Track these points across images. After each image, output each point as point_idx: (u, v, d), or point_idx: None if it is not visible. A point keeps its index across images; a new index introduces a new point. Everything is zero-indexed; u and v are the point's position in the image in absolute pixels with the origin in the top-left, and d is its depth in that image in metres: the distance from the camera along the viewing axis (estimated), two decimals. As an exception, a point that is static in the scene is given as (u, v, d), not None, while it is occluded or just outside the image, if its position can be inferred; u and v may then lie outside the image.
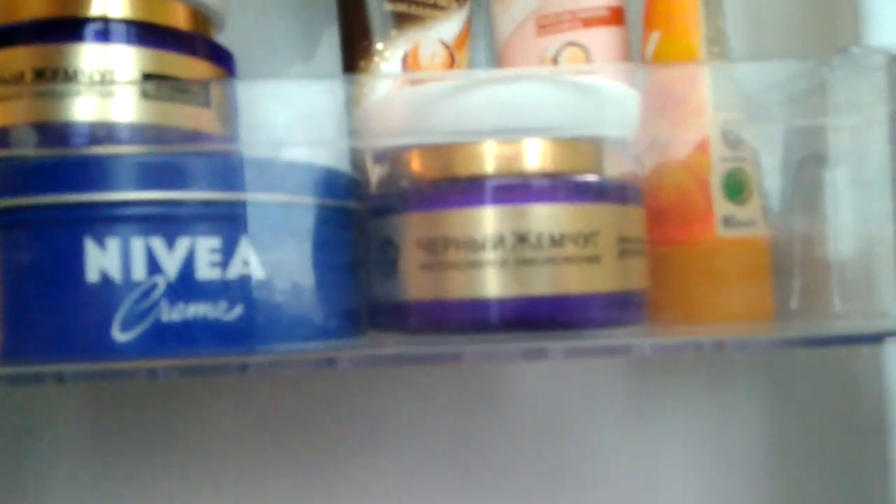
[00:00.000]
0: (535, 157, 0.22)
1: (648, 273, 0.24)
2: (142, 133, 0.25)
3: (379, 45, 0.30)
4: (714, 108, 0.27)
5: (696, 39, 0.29)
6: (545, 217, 0.21)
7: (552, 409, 0.33)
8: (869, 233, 0.26)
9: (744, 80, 0.27)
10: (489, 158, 0.22)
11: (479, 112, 0.22)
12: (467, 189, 0.22)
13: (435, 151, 0.23)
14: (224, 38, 0.30)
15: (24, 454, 0.34)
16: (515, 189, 0.22)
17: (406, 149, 0.23)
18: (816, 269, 0.27)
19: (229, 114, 0.27)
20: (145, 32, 0.26)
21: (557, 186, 0.22)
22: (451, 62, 0.32)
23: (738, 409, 0.33)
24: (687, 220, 0.28)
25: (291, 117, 0.23)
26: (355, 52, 0.31)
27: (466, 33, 0.32)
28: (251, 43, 0.34)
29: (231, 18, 0.30)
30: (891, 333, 0.22)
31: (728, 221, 0.28)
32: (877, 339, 0.22)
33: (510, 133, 0.22)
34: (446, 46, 0.32)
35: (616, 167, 0.24)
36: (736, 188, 0.29)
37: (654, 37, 0.29)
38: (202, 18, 0.28)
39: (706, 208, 0.28)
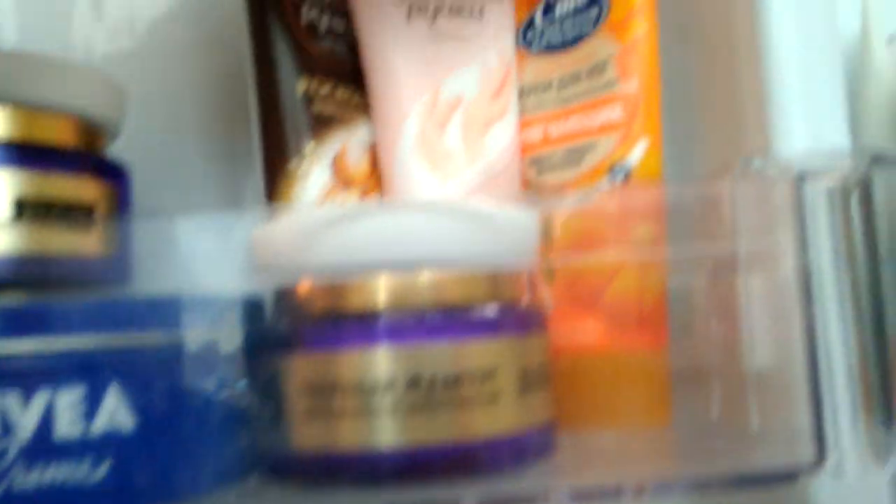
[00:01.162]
0: (428, 290, 0.21)
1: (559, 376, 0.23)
2: (14, 266, 0.23)
3: (306, 148, 0.29)
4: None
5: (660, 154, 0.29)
6: (440, 357, 0.20)
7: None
8: (785, 343, 0.25)
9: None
10: (379, 292, 0.21)
11: (368, 243, 0.20)
12: (354, 327, 0.20)
13: (320, 284, 0.21)
14: (128, 150, 0.28)
15: None
16: (406, 327, 0.20)
17: (291, 281, 0.22)
18: (734, 380, 0.26)
19: (113, 234, 0.26)
20: (22, 152, 0.24)
21: (452, 322, 0.21)
22: (375, 165, 0.30)
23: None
24: (661, 325, 0.28)
25: (177, 253, 0.21)
26: (279, 154, 0.29)
27: None
28: (156, 153, 0.33)
29: (134, 128, 0.28)
30: (805, 470, 0.21)
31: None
32: (789, 477, 0.21)
33: (399, 265, 0.21)
34: (371, 148, 0.30)
35: (516, 293, 0.23)
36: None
37: (641, 145, 0.28)
38: (90, 131, 0.26)
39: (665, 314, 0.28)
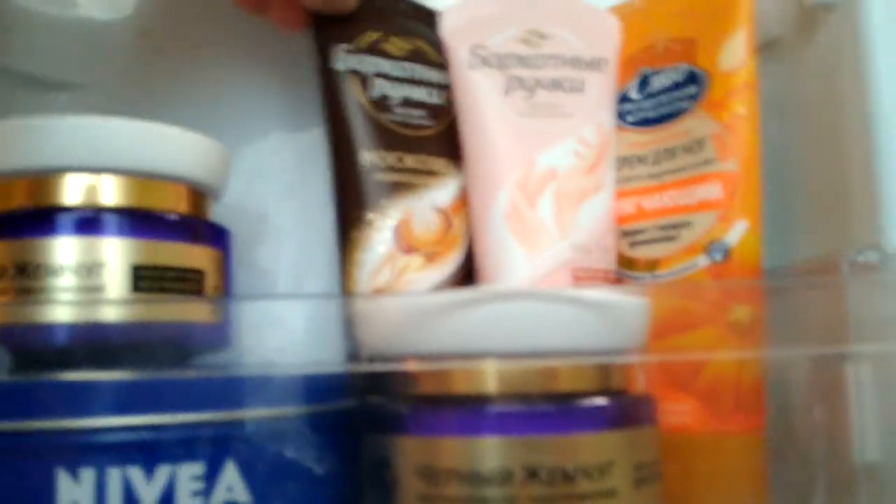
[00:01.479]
0: (540, 378, 0.21)
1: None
2: (129, 332, 0.24)
3: (370, 216, 0.29)
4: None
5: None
6: (555, 449, 0.20)
7: None
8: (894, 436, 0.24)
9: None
10: (490, 379, 0.21)
11: (478, 330, 0.20)
12: (466, 414, 0.20)
13: (431, 367, 0.21)
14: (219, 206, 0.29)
15: None
16: (520, 417, 0.20)
17: (401, 363, 0.22)
18: (840, 470, 0.26)
19: (223, 300, 0.26)
20: (137, 221, 0.25)
21: (566, 413, 0.20)
22: (448, 228, 0.31)
23: None
24: (759, 408, 0.28)
25: (283, 336, 0.21)
26: (347, 221, 0.30)
27: (465, 197, 0.31)
28: (245, 207, 0.34)
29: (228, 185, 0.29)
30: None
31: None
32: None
33: (509, 353, 0.21)
34: (442, 212, 0.31)
35: (627, 382, 0.23)
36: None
37: (741, 226, 0.28)
38: (199, 197, 0.27)
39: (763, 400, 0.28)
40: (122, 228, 0.24)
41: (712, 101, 0.29)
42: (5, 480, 0.20)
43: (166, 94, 0.35)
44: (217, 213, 0.29)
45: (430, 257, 0.30)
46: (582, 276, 0.30)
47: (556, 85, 0.31)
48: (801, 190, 0.30)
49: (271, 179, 0.36)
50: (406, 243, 0.30)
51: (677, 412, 0.28)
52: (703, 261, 0.28)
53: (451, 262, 0.30)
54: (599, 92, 0.31)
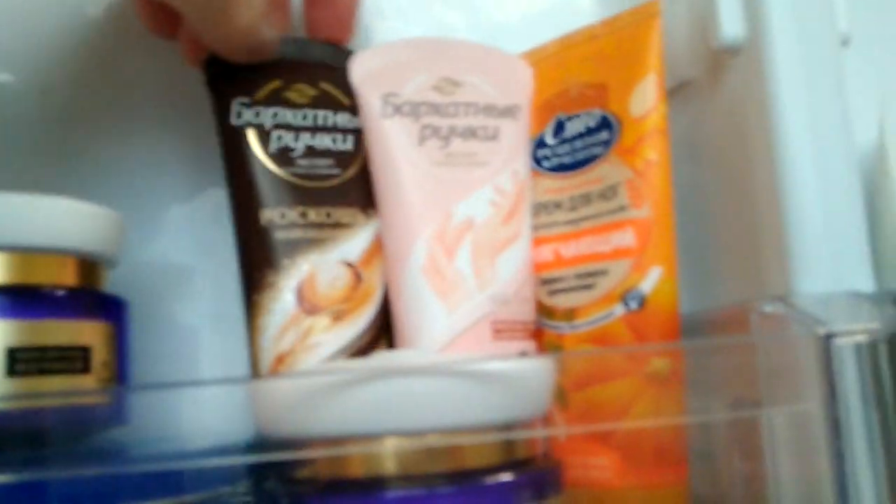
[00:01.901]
0: (441, 457, 0.20)
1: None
2: (10, 421, 0.22)
3: (271, 278, 0.28)
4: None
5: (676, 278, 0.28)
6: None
7: None
8: (813, 485, 0.24)
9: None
10: (389, 460, 0.20)
11: (371, 408, 0.19)
12: (355, 498, 0.19)
13: (324, 449, 0.20)
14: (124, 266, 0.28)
15: None
16: (420, 500, 0.19)
17: (296, 443, 0.21)
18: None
19: (113, 379, 0.25)
20: (16, 299, 0.23)
21: (467, 493, 0.19)
22: (357, 283, 0.29)
23: None
24: (681, 459, 0.27)
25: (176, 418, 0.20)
26: (250, 284, 0.29)
27: (377, 245, 0.30)
28: (160, 264, 0.33)
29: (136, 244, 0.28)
30: None
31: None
32: None
33: (406, 430, 0.20)
34: (350, 266, 0.29)
35: (532, 450, 0.22)
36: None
37: (655, 272, 0.27)
38: (89, 267, 0.26)
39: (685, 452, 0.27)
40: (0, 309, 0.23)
41: (624, 146, 0.29)
42: None
43: (69, 157, 0.33)
44: (127, 273, 0.28)
45: (338, 315, 0.29)
46: (501, 329, 0.29)
47: (470, 133, 0.30)
48: (716, 235, 0.30)
49: (187, 236, 0.34)
50: (309, 303, 0.28)
51: (598, 467, 0.27)
52: (619, 309, 0.28)
53: (362, 319, 0.29)
54: (514, 139, 0.31)
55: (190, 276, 0.34)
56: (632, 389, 0.27)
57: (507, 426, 0.21)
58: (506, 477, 0.20)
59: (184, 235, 0.34)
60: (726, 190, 0.29)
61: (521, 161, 0.31)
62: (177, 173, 0.33)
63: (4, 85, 0.33)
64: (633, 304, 0.27)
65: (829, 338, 0.21)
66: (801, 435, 0.24)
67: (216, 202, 0.33)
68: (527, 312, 0.29)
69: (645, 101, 0.29)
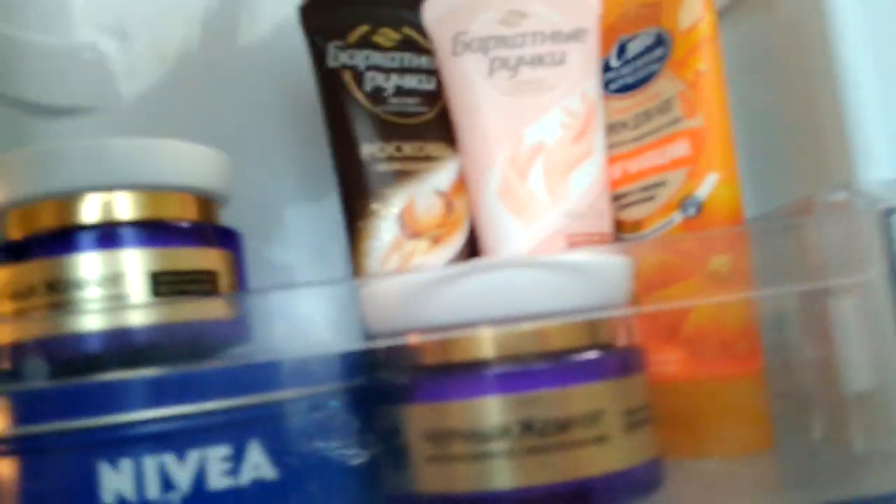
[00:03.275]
0: (532, 340, 0.22)
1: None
2: (154, 333, 0.26)
3: (374, 206, 0.31)
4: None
5: (738, 186, 0.29)
6: (549, 403, 0.21)
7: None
8: (883, 365, 0.26)
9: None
10: (487, 344, 0.22)
11: (472, 300, 0.22)
12: (467, 378, 0.22)
13: (433, 340, 0.23)
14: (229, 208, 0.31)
15: None
16: (515, 376, 0.22)
17: (405, 338, 0.23)
18: (836, 402, 0.27)
19: (237, 296, 0.28)
20: (151, 231, 0.27)
21: (557, 369, 0.22)
22: (449, 210, 0.32)
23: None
24: (750, 350, 0.29)
25: (295, 321, 0.23)
26: (352, 213, 0.32)
27: (463, 177, 0.33)
28: (257, 207, 0.36)
29: (236, 187, 0.31)
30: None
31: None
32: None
33: (503, 321, 0.22)
34: (442, 195, 0.32)
35: (615, 335, 0.24)
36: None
37: (712, 179, 0.29)
38: (206, 204, 0.29)
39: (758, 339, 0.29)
40: (138, 239, 0.26)
41: (676, 60, 0.30)
42: (53, 476, 0.22)
43: (170, 111, 0.37)
44: (230, 215, 0.31)
45: (436, 240, 0.31)
46: (577, 241, 0.31)
47: (538, 61, 0.32)
48: (779, 139, 0.31)
49: (282, 179, 0.37)
50: (411, 229, 0.31)
51: (666, 362, 0.29)
52: (677, 217, 0.29)
53: (455, 243, 0.32)
54: (581, 62, 0.32)
55: (286, 217, 0.37)
56: (693, 290, 0.28)
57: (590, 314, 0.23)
58: (588, 355, 0.23)
59: (280, 178, 0.37)
60: (786, 95, 0.30)
61: (591, 82, 0.32)
62: (274, 117, 0.36)
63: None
64: (691, 211, 0.29)
65: (889, 212, 0.22)
66: (868, 314, 0.25)
67: (310, 143, 0.36)
68: (602, 225, 0.32)
69: (692, 12, 0.30)
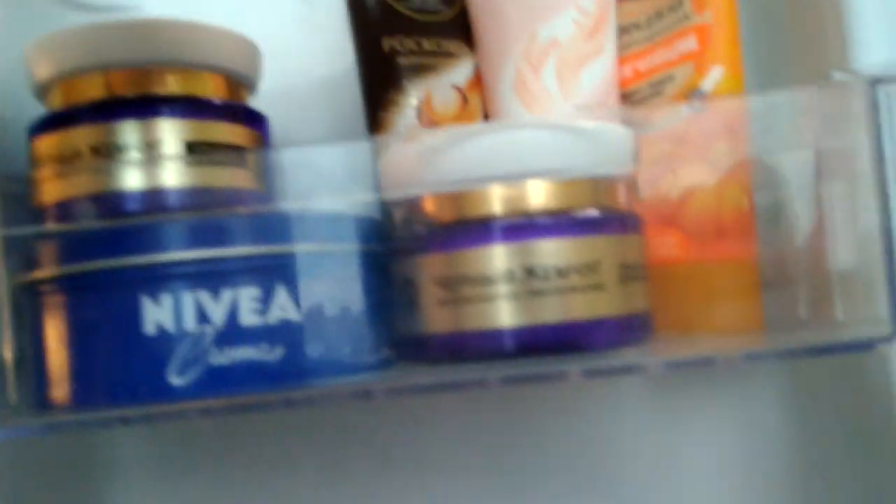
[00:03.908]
0: (538, 197, 0.24)
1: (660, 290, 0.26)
2: (187, 196, 0.28)
3: (394, 96, 0.33)
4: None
5: (742, 79, 0.31)
6: (550, 251, 0.23)
7: (580, 425, 0.35)
8: (863, 244, 0.27)
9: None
10: (495, 201, 0.24)
11: (482, 159, 0.24)
12: (477, 230, 0.24)
13: (445, 197, 0.25)
14: (258, 98, 0.33)
15: (96, 491, 0.37)
16: (521, 228, 0.24)
17: (419, 196, 0.25)
18: (820, 279, 0.29)
19: (263, 172, 0.30)
20: (186, 105, 0.29)
21: (559, 223, 0.24)
22: (464, 104, 0.34)
23: (761, 411, 0.35)
24: (745, 237, 0.30)
25: (316, 178, 0.25)
26: (375, 103, 0.34)
27: (479, 75, 0.35)
28: (282, 100, 0.38)
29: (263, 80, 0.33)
30: (881, 339, 0.23)
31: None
32: (868, 345, 0.23)
33: (511, 178, 0.24)
34: (458, 90, 0.34)
35: (615, 199, 0.26)
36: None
37: (717, 72, 0.30)
38: (236, 86, 0.31)
39: (753, 226, 0.30)
40: (174, 111, 0.28)
41: (688, -42, 0.31)
42: (102, 308, 0.24)
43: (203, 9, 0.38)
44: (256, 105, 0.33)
45: None
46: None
47: None
48: (781, 33, 0.32)
49: (305, 69, 0.39)
50: (428, 119, 0.33)
51: (668, 244, 0.31)
52: (685, 110, 0.31)
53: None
54: None
55: (308, 103, 0.39)
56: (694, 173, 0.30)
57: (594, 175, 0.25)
58: (588, 212, 0.24)
59: (302, 68, 0.38)
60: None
61: None
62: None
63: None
64: (696, 103, 0.31)
65: (875, 83, 0.23)
66: (854, 196, 0.27)
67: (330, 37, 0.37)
68: (613, 118, 0.33)
69: None
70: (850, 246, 0.27)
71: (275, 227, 0.25)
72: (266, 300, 0.24)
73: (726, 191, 0.30)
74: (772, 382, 0.35)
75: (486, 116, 0.34)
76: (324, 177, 0.26)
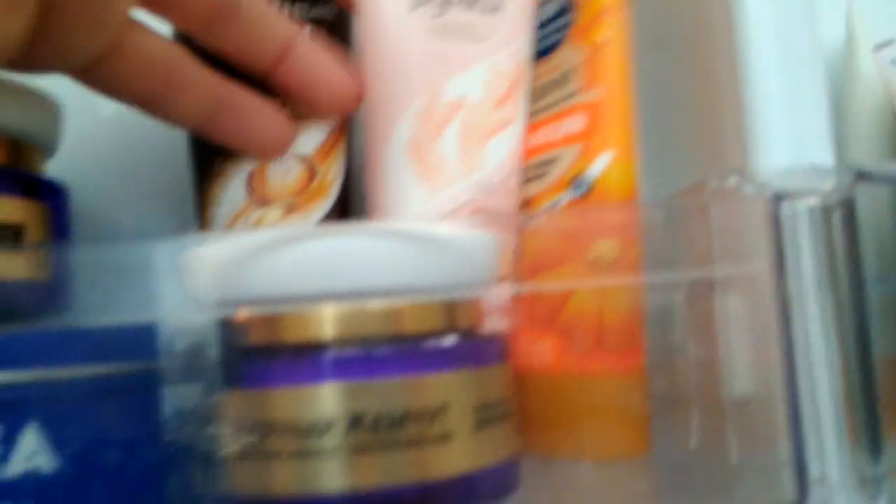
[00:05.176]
0: (374, 320, 0.19)
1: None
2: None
3: (221, 166, 0.27)
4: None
5: (635, 168, 0.26)
6: (384, 393, 0.18)
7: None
8: (765, 369, 0.24)
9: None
10: (320, 323, 0.19)
11: (303, 272, 0.19)
12: (291, 362, 0.19)
13: (258, 314, 0.19)
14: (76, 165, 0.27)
15: None
16: (347, 361, 0.19)
17: (228, 311, 0.20)
18: (713, 407, 0.25)
19: (47, 257, 0.24)
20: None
21: (401, 353, 0.19)
22: (311, 177, 0.28)
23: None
24: (628, 347, 0.26)
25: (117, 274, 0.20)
26: (200, 173, 0.28)
27: (337, 138, 0.29)
28: (101, 166, 0.32)
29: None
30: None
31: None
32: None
33: (345, 294, 0.19)
34: (304, 160, 0.28)
35: (475, 321, 0.21)
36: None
37: (605, 157, 0.26)
38: (23, 148, 0.25)
39: (640, 336, 0.26)
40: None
41: (580, 27, 0.28)
42: None
43: None
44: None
45: (291, 209, 0.28)
46: (482, 218, 0.27)
47: (470, 2, 0.28)
48: (679, 123, 0.29)
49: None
50: (260, 195, 0.28)
51: (542, 351, 0.26)
52: (567, 196, 0.27)
53: (315, 213, 0.28)
54: (518, 15, 0.28)
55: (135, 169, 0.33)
56: (574, 276, 0.26)
57: (449, 294, 0.20)
58: (435, 341, 0.20)
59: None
60: (690, 76, 0.28)
61: (524, 40, 0.29)
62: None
63: None
64: (581, 191, 0.27)
65: (778, 199, 0.20)
66: (753, 312, 0.23)
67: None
68: (509, 205, 0.28)
69: (600, -22, 0.27)
70: (748, 372, 0.24)
71: (28, 343, 0.19)
72: (7, 445, 0.18)
73: (609, 294, 0.26)
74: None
75: (366, 176, 0.28)
76: (126, 278, 0.21)
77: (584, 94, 0.27)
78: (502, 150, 0.28)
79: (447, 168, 0.27)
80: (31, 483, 0.18)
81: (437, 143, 0.27)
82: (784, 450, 0.22)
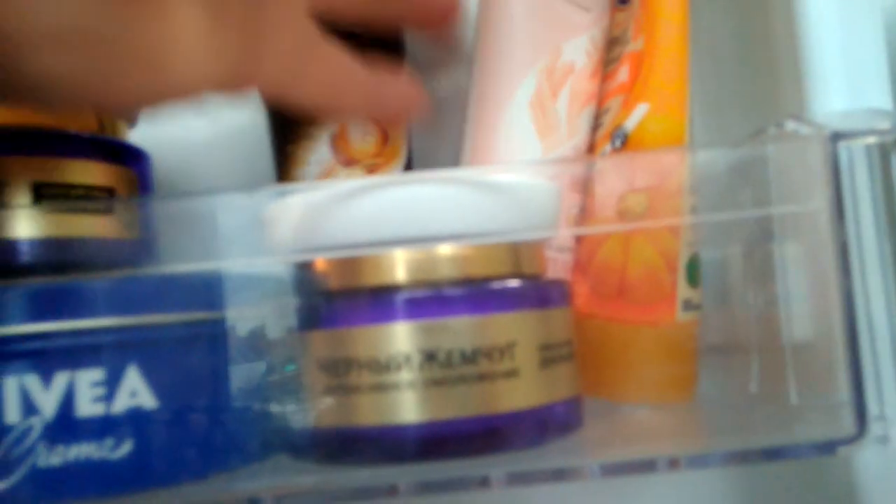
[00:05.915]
0: (444, 264, 0.20)
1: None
2: (39, 247, 0.23)
3: (306, 127, 0.29)
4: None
5: (682, 120, 0.27)
6: (454, 332, 0.19)
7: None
8: (824, 314, 0.24)
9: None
10: (393, 268, 0.20)
11: (376, 220, 0.20)
12: (368, 304, 0.20)
13: (335, 262, 0.21)
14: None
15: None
16: (420, 302, 0.20)
17: (309, 258, 0.21)
18: (773, 352, 0.25)
19: (134, 217, 0.26)
20: (38, 138, 0.24)
21: (469, 295, 0.20)
22: (385, 139, 0.30)
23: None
24: (651, 300, 0.26)
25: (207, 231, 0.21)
26: (283, 134, 0.29)
27: None
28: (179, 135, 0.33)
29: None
30: (843, 441, 0.20)
31: (686, 305, 0.27)
32: (828, 449, 0.20)
33: (417, 240, 0.20)
34: (378, 125, 0.30)
35: (537, 266, 0.22)
36: (695, 273, 0.27)
37: (640, 110, 0.26)
38: (108, 118, 0.26)
39: (672, 291, 0.26)
40: (21, 146, 0.24)
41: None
42: None
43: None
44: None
45: (371, 169, 0.29)
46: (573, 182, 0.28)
47: None
48: (736, 70, 0.29)
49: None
50: (344, 156, 0.29)
51: (577, 294, 0.26)
52: (608, 148, 0.27)
53: (392, 174, 0.30)
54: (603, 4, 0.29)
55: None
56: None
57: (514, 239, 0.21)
58: (502, 283, 0.21)
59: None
60: (745, 25, 0.28)
61: (605, 23, 0.29)
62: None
63: None
64: (617, 143, 0.27)
65: (835, 139, 0.20)
66: (812, 257, 0.24)
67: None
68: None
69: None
70: (807, 316, 0.24)
71: (127, 292, 0.21)
72: (111, 384, 0.20)
73: (634, 247, 0.26)
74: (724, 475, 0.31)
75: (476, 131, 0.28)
76: (215, 230, 0.22)
77: (632, 43, 0.27)
78: (587, 121, 0.28)
79: (560, 129, 0.27)
80: (134, 419, 0.20)
81: (556, 104, 0.28)
82: (843, 391, 0.23)
